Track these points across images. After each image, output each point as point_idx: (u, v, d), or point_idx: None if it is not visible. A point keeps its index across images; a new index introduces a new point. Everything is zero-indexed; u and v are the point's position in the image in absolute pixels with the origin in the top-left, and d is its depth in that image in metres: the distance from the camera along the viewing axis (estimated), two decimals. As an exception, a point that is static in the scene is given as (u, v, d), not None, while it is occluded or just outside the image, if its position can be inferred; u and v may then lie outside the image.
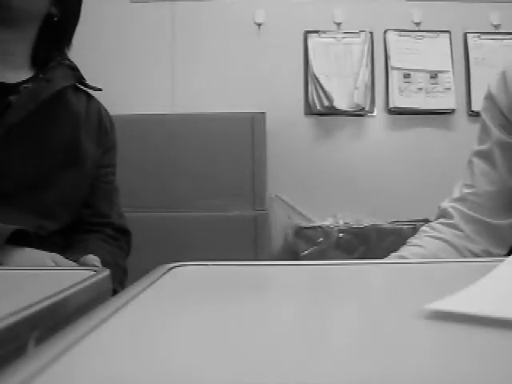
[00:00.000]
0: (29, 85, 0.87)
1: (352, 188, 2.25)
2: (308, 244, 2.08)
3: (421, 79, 2.26)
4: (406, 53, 2.30)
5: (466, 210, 0.95)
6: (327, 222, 2.12)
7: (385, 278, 0.47)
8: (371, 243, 2.06)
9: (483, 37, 2.29)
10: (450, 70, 2.27)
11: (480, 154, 0.97)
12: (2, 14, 0.83)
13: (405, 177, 2.26)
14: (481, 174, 0.96)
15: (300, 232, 2.10)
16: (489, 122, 0.97)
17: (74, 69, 0.93)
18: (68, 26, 0.95)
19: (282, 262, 0.52)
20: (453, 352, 0.25)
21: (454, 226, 0.95)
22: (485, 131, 0.98)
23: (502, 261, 0.42)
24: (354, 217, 2.13)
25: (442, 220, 0.98)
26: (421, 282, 0.44)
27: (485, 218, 0.94)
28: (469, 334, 0.27)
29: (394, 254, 0.94)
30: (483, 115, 0.99)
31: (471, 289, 0.34)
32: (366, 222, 2.10)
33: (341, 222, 2.10)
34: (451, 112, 2.27)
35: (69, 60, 0.94)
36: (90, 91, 0.98)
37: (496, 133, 0.95)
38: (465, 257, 0.92)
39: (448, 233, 0.95)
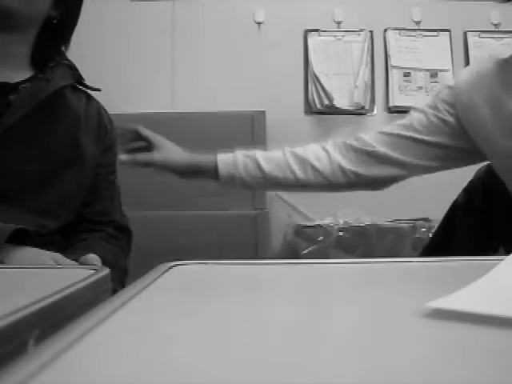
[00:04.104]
0: (28, 84, 0.87)
1: (352, 187, 2.25)
2: (308, 243, 2.08)
3: (421, 78, 2.26)
4: (405, 51, 2.29)
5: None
6: (327, 220, 2.12)
7: (385, 277, 0.47)
8: (371, 242, 2.06)
9: (483, 35, 2.29)
10: (450, 68, 2.26)
11: (420, 111, 1.06)
12: (4, 19, 0.84)
13: (405, 175, 2.26)
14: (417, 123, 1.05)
15: (300, 231, 2.10)
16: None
17: (72, 68, 0.94)
18: (67, 27, 0.95)
19: (281, 261, 0.52)
20: (453, 350, 0.25)
21: (359, 141, 1.08)
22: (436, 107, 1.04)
23: (502, 260, 0.42)
24: (353, 215, 2.13)
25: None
26: (421, 281, 0.44)
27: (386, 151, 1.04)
28: (469, 333, 0.27)
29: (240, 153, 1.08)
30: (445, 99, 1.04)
31: (471, 287, 0.34)
32: (366, 221, 2.10)
33: (341, 221, 2.10)
34: (451, 111, 2.27)
35: (68, 60, 0.94)
36: (89, 91, 0.98)
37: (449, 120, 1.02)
38: (331, 171, 1.06)
39: (338, 148, 1.08)
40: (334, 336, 0.28)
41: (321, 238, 2.06)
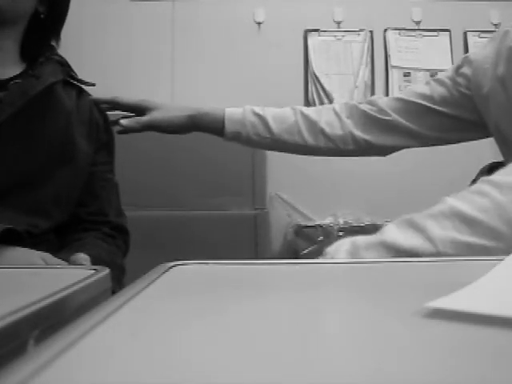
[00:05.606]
0: (18, 81, 0.86)
1: (352, 187, 2.25)
2: (308, 243, 2.08)
3: (421, 78, 2.26)
4: (405, 51, 2.30)
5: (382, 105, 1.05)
6: (327, 220, 2.12)
7: (385, 277, 0.47)
8: (371, 242, 2.06)
9: (483, 35, 2.29)
10: (450, 68, 2.27)
11: (437, 82, 1.04)
12: None
13: (404, 175, 2.26)
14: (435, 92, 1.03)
15: (300, 231, 2.10)
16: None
17: (63, 64, 0.92)
18: (55, 22, 0.94)
19: (281, 261, 0.52)
20: (453, 350, 0.25)
21: (370, 103, 1.06)
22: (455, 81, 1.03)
23: (502, 260, 0.42)
24: (353, 215, 2.13)
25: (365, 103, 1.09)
26: (421, 281, 0.44)
27: (382, 117, 1.04)
28: (469, 333, 0.27)
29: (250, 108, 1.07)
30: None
31: (471, 287, 0.34)
32: (366, 221, 2.10)
33: (341, 221, 2.10)
34: (451, 111, 2.27)
35: (58, 55, 0.93)
36: (86, 89, 0.97)
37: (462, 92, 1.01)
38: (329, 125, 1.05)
39: (350, 112, 1.06)
40: (333, 336, 0.28)
41: (321, 238, 2.06)
